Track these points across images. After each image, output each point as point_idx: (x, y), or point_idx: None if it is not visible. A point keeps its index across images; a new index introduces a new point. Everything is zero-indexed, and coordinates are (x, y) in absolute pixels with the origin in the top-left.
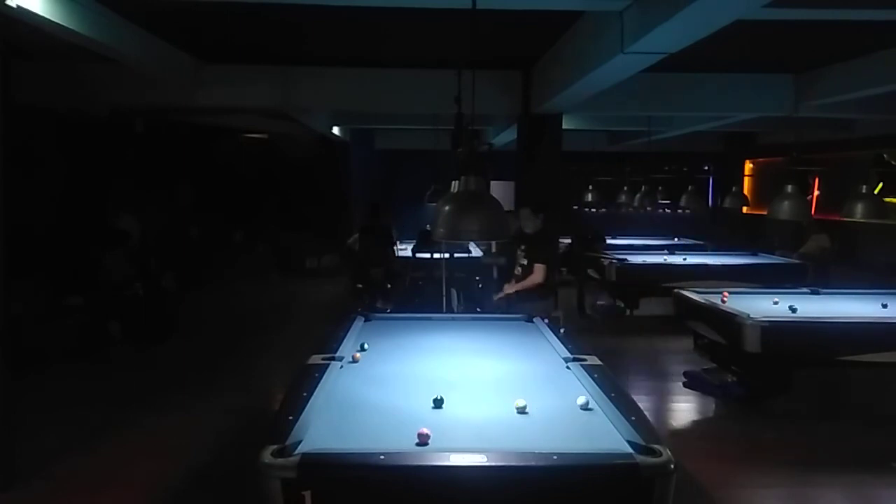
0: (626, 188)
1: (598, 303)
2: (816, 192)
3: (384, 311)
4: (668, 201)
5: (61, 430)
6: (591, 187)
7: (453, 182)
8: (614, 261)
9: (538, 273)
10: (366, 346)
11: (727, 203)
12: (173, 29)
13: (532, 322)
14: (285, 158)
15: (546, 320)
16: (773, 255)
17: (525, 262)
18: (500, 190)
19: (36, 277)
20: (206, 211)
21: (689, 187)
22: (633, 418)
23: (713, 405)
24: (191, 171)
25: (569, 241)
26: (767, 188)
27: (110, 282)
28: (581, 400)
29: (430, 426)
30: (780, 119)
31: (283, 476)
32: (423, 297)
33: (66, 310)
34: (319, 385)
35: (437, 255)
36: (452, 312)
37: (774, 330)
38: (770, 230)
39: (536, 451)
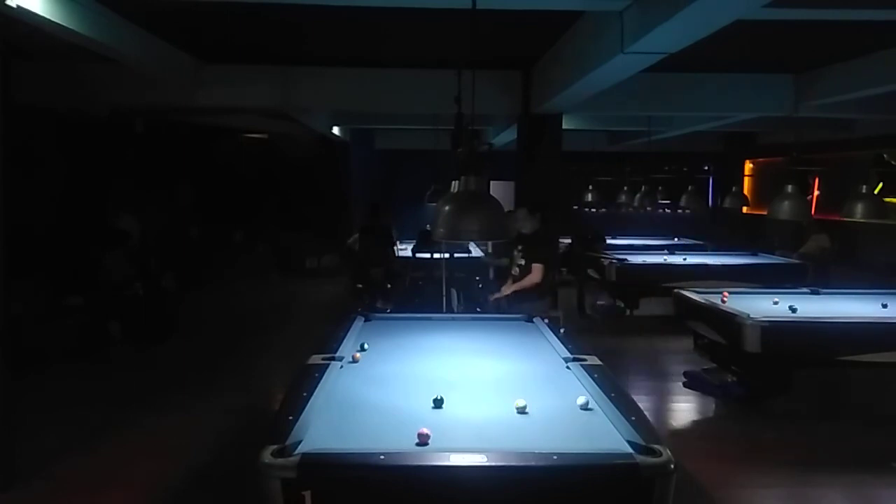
0: (626, 188)
1: (598, 303)
2: (816, 192)
3: (384, 311)
4: (668, 201)
5: (61, 430)
6: (591, 187)
7: (453, 182)
8: (614, 261)
9: (536, 273)
10: (366, 346)
11: (727, 203)
12: (173, 29)
13: (532, 322)
14: (285, 158)
15: (546, 320)
16: (773, 255)
17: (522, 262)
18: (500, 190)
19: (36, 277)
20: (206, 211)
21: (689, 187)
22: (633, 418)
23: (713, 405)
24: (191, 171)
25: (569, 241)
26: (767, 188)
27: (110, 282)
28: (581, 400)
29: (430, 426)
30: (780, 119)
31: (283, 476)
32: (423, 297)
33: (66, 310)
34: (319, 385)
35: (437, 255)
36: (452, 312)
37: (774, 330)
38: (770, 230)
39: (536, 451)
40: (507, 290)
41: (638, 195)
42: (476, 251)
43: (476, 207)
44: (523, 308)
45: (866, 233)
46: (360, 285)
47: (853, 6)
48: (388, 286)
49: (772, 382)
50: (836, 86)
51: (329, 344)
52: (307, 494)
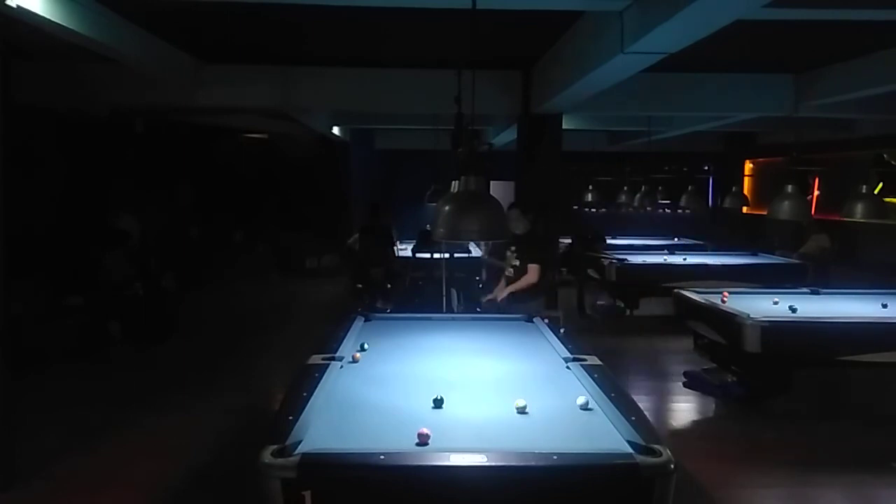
0: (626, 188)
1: (598, 303)
2: (816, 192)
3: (384, 311)
4: (668, 201)
5: (61, 430)
6: (591, 187)
7: (453, 182)
8: (614, 261)
9: (532, 273)
10: (366, 346)
11: (727, 203)
12: (173, 29)
13: (532, 322)
14: (285, 158)
15: (546, 320)
16: (773, 255)
17: (517, 262)
18: (500, 190)
19: (36, 277)
20: (206, 211)
21: (689, 187)
22: (633, 418)
23: (713, 405)
24: (191, 171)
25: (569, 241)
26: (767, 188)
27: (110, 282)
28: (581, 400)
29: (430, 426)
30: (780, 119)
31: (283, 476)
32: (423, 297)
33: (66, 310)
34: (319, 385)
35: (437, 255)
36: (452, 312)
37: (774, 330)
38: (770, 230)
39: (536, 451)
40: (504, 292)
41: (638, 195)
42: (476, 251)
43: (476, 207)
44: (518, 308)
45: (866, 233)
46: (360, 285)
47: (853, 6)
48: (388, 286)
49: (772, 382)
50: (836, 86)
51: (329, 344)
52: (307, 494)
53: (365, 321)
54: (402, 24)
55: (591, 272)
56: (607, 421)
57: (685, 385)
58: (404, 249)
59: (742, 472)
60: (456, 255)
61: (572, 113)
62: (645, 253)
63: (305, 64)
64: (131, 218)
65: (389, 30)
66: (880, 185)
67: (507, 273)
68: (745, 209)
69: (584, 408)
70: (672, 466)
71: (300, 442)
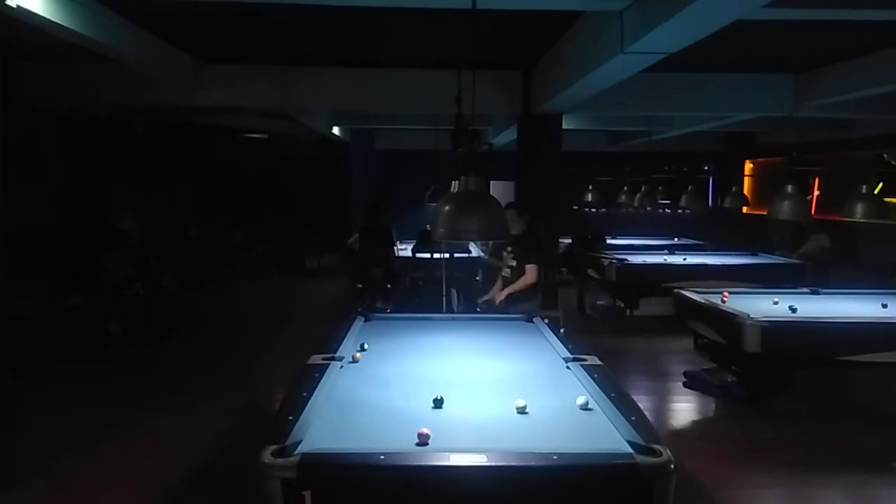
0: (626, 188)
1: (598, 303)
2: (816, 192)
3: (384, 311)
4: (668, 201)
5: (61, 430)
6: (591, 187)
7: (453, 182)
8: (614, 261)
9: (531, 274)
10: (366, 346)
11: (727, 203)
12: (173, 29)
13: (532, 322)
14: (285, 158)
15: (546, 320)
16: (773, 255)
17: (514, 263)
18: (500, 190)
19: (36, 277)
20: (206, 211)
21: (689, 187)
22: (633, 418)
23: (713, 405)
24: (191, 171)
25: (569, 241)
26: (767, 188)
27: (110, 282)
28: (581, 400)
29: (430, 426)
30: (780, 119)
31: (283, 476)
32: (423, 297)
33: (66, 310)
34: (319, 385)
35: (437, 255)
36: (452, 312)
37: (774, 330)
38: (770, 230)
39: (536, 451)
40: (502, 294)
41: (638, 195)
42: (476, 251)
43: (476, 207)
44: (515, 307)
45: (866, 233)
46: (360, 285)
47: (853, 6)
48: (388, 286)
49: (772, 382)
50: (836, 86)
51: (329, 344)
52: (307, 494)
53: (365, 321)
54: (402, 24)
55: (591, 272)
56: (607, 421)
57: (685, 385)
58: (404, 249)
59: (742, 472)
60: (456, 255)
61: (572, 113)
62: (645, 253)
63: (305, 64)
64: (131, 218)
65: (389, 30)
66: (880, 185)
67: (503, 273)
68: (745, 209)
69: (584, 408)
70: (672, 466)
71: (300, 442)
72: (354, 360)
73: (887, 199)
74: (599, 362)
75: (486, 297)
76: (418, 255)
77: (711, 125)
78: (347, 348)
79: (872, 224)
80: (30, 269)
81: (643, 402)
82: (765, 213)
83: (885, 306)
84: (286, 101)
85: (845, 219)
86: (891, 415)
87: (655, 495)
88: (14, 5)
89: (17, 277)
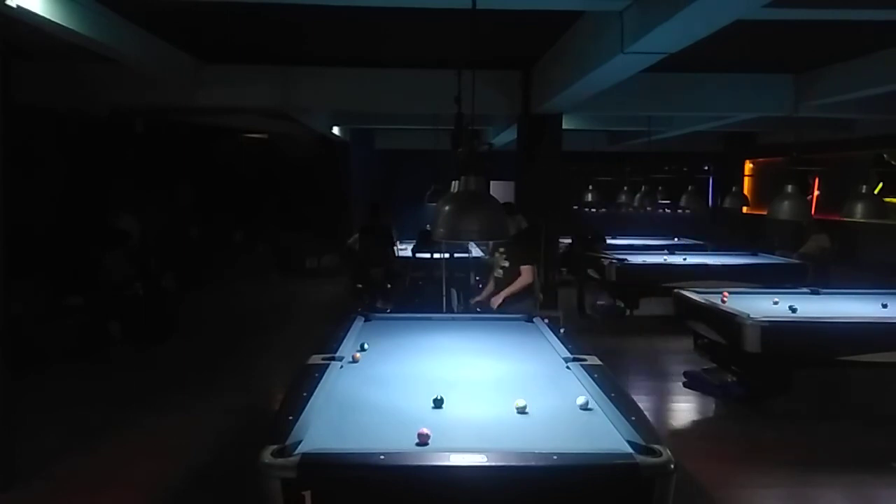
0: (626, 188)
1: (598, 303)
2: (816, 192)
3: (384, 311)
4: (668, 201)
5: (61, 430)
6: (591, 187)
7: (453, 182)
8: (614, 261)
9: (526, 275)
10: (366, 346)
11: (727, 203)
12: (173, 29)
13: (532, 322)
14: (285, 158)
15: (546, 320)
16: (773, 255)
17: (506, 263)
18: (500, 190)
19: (36, 277)
20: (206, 211)
21: (689, 187)
22: (633, 418)
23: (713, 405)
24: (191, 171)
25: (569, 241)
26: (767, 188)
27: (110, 282)
28: (581, 400)
29: (430, 426)
30: (780, 119)
31: (283, 476)
32: (423, 297)
33: (66, 310)
34: (319, 385)
35: (437, 255)
36: (452, 312)
37: (774, 330)
38: (770, 230)
39: (536, 451)
40: (499, 297)
41: (638, 195)
42: (476, 251)
43: (476, 207)
44: (510, 307)
45: (866, 233)
46: (360, 285)
47: (853, 6)
48: (388, 286)
49: (772, 382)
50: (836, 86)
51: (329, 344)
52: (307, 494)
53: (365, 321)
54: (402, 24)
55: (591, 272)
56: (607, 421)
57: (685, 385)
58: (404, 249)
59: (742, 472)
60: (456, 255)
61: (572, 113)
62: (645, 253)
63: (305, 64)
64: (131, 218)
65: (389, 30)
66: (880, 185)
67: (495, 274)
68: (745, 209)
69: (584, 408)
70: (672, 466)
71: (300, 442)
72: (354, 360)
73: (887, 199)
74: (599, 362)
75: (479, 298)
76: (418, 255)
77: (711, 125)
78: (347, 348)
79: (872, 224)
80: (30, 269)
81: (643, 402)
82: (765, 213)
83: (885, 306)
84: (286, 101)
85: (845, 219)
86: (891, 415)
87: (655, 495)
88: (14, 5)
89: (17, 277)
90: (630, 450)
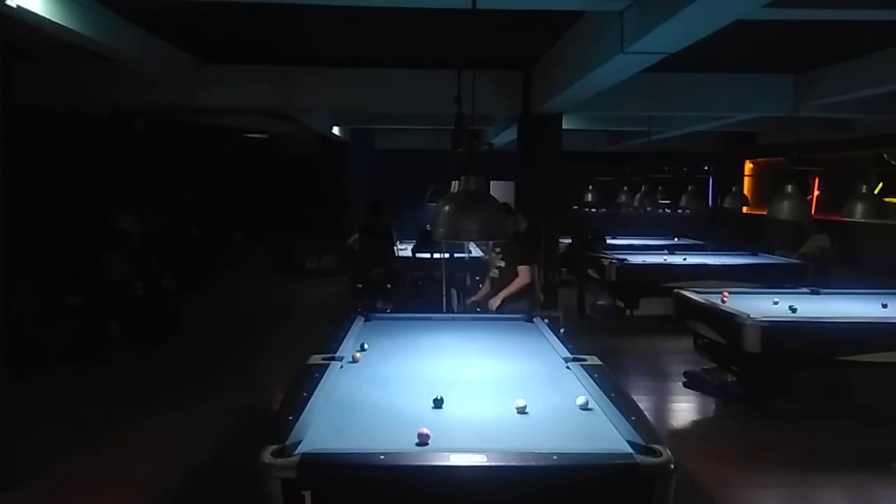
0: (626, 188)
1: (598, 303)
2: (816, 192)
3: (384, 311)
4: (668, 201)
5: (61, 430)
6: (591, 187)
7: (453, 182)
8: (614, 261)
9: (524, 275)
10: (366, 346)
11: (727, 203)
12: (173, 29)
13: (532, 322)
14: (285, 158)
15: (546, 320)
16: (773, 255)
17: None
18: (500, 190)
19: (36, 277)
20: (206, 211)
21: (689, 187)
22: (633, 418)
23: (713, 405)
24: (191, 171)
25: (569, 241)
26: (767, 188)
27: (110, 282)
28: (581, 400)
29: (430, 426)
30: (780, 119)
31: (283, 476)
32: (423, 297)
33: (66, 310)
34: (319, 385)
35: (437, 255)
36: (452, 312)
37: (774, 330)
38: (770, 230)
39: (536, 451)
40: (498, 299)
41: (638, 195)
42: (476, 251)
43: (476, 207)
44: (508, 307)
45: (866, 233)
46: (360, 285)
47: (853, 6)
48: (388, 286)
49: (772, 382)
50: (836, 86)
51: (329, 344)
52: (307, 494)
53: (365, 321)
54: (402, 24)
55: (591, 272)
56: (607, 421)
57: (685, 385)
58: (404, 249)
59: (742, 472)
60: (456, 255)
61: (572, 113)
62: (645, 253)
63: (305, 64)
64: (131, 218)
65: (389, 30)
66: (880, 185)
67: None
68: (745, 209)
69: (584, 408)
70: (672, 466)
71: (300, 442)
72: (354, 360)
73: (887, 199)
74: (599, 362)
75: (475, 298)
76: (418, 255)
77: (711, 125)
78: (347, 348)
79: (872, 224)
80: (30, 269)
81: (643, 402)
82: (765, 213)
83: (885, 306)
84: (286, 101)
85: (845, 219)
86: (891, 415)
87: (655, 495)
88: (14, 5)
89: (17, 277)
90: (630, 450)
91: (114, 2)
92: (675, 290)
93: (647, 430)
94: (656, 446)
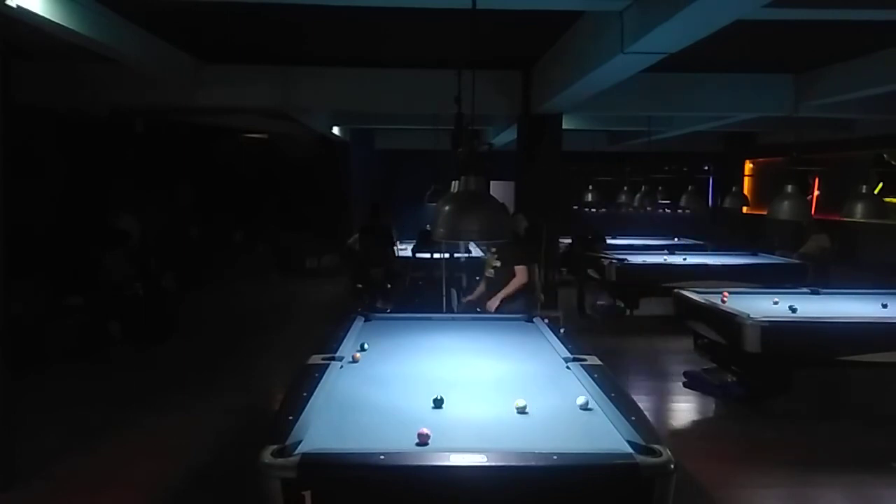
0: (626, 188)
1: (598, 303)
2: (816, 192)
3: (384, 311)
4: (668, 201)
5: (61, 430)
6: (591, 187)
7: (453, 182)
8: (614, 261)
9: (521, 275)
10: (366, 346)
11: (727, 203)
12: (173, 29)
13: (532, 322)
14: (285, 158)
15: (546, 320)
16: (773, 255)
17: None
18: (500, 190)
19: (36, 277)
20: (206, 211)
21: (689, 187)
22: (633, 418)
23: (713, 405)
24: (191, 171)
25: (569, 241)
26: (767, 188)
27: (110, 282)
28: (581, 400)
29: (430, 426)
30: (780, 119)
31: (283, 476)
32: (423, 297)
33: (66, 310)
34: (319, 385)
35: (437, 255)
36: (452, 312)
37: (774, 330)
38: (770, 230)
39: (536, 451)
40: (495, 300)
41: (638, 195)
42: (476, 251)
43: (476, 207)
44: (506, 306)
45: (866, 233)
46: (360, 285)
47: (853, 6)
48: (388, 286)
49: (772, 382)
50: (836, 86)
51: (329, 344)
52: (307, 494)
53: (365, 321)
54: (402, 24)
55: (591, 272)
56: (607, 421)
57: (685, 385)
58: (404, 249)
59: (742, 472)
60: (456, 255)
61: (572, 113)
62: (645, 253)
63: (305, 64)
64: (131, 218)
65: (389, 30)
66: (880, 185)
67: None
68: (745, 209)
69: (584, 408)
70: (672, 466)
71: (300, 442)
72: (354, 360)
73: (887, 199)
74: (599, 362)
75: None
76: (418, 255)
77: (711, 125)
78: (347, 348)
79: (872, 224)
80: (30, 269)
81: (643, 402)
82: (765, 213)
83: (885, 306)
84: (286, 101)
85: (845, 219)
86: (891, 415)
87: (655, 495)
88: (14, 5)
89: (17, 277)
90: (630, 450)
91: (114, 2)
92: (675, 290)
93: (647, 430)
94: (656, 446)
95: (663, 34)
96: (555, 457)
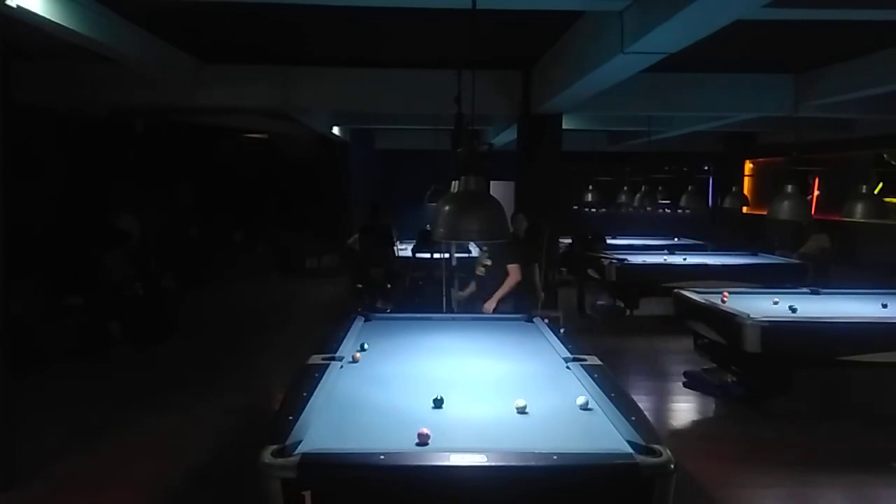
0: (626, 188)
1: (598, 303)
2: (816, 192)
3: (384, 311)
4: (668, 201)
5: (61, 430)
6: (591, 187)
7: (453, 182)
8: (614, 261)
9: (514, 273)
10: (366, 346)
11: (727, 203)
12: (173, 29)
13: (532, 322)
14: (285, 158)
15: (546, 320)
16: (773, 255)
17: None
18: (500, 190)
19: (36, 277)
20: (206, 211)
21: (689, 187)
22: (633, 418)
23: (713, 405)
24: (191, 171)
25: (569, 241)
26: (767, 188)
27: (110, 282)
28: (581, 400)
29: (430, 426)
30: (780, 119)
31: (283, 476)
32: (423, 297)
33: (66, 310)
34: (319, 385)
35: (437, 255)
36: (452, 312)
37: (774, 330)
38: (770, 230)
39: (536, 451)
40: (493, 301)
41: (638, 195)
42: (476, 251)
43: (476, 207)
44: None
45: (866, 233)
46: (360, 285)
47: (853, 6)
48: (388, 286)
49: (772, 382)
50: (836, 86)
51: (329, 344)
52: (307, 494)
53: (365, 321)
54: (402, 24)
55: (591, 272)
56: (607, 421)
57: (685, 385)
58: (404, 249)
59: (742, 472)
60: (456, 255)
61: (572, 113)
62: (645, 253)
63: (305, 64)
64: (131, 218)
65: (389, 30)
66: (880, 185)
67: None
68: (745, 209)
69: (584, 408)
70: (672, 466)
71: (300, 442)
72: (354, 360)
73: (887, 199)
74: (599, 362)
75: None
76: (418, 255)
77: (711, 125)
78: (347, 348)
79: (872, 224)
80: (30, 269)
81: (643, 402)
82: (765, 213)
83: (885, 306)
84: (286, 101)
85: (845, 219)
86: (891, 415)
87: (655, 495)
88: (14, 5)
89: (17, 277)
90: (630, 450)
91: (114, 2)
92: (675, 290)
93: (647, 430)
94: (656, 446)
95: (663, 34)
96: (555, 457)
